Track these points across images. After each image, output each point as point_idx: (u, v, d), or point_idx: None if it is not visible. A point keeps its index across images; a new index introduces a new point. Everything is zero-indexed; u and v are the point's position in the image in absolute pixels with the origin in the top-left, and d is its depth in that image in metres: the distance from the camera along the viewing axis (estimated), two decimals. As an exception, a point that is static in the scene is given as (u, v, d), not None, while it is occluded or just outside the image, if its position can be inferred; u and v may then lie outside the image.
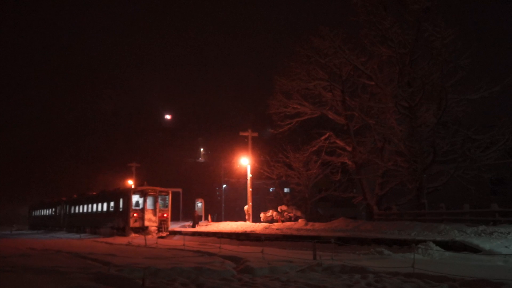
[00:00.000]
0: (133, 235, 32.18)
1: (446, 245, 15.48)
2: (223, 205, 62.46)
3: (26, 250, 18.65)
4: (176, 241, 24.35)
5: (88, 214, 41.80)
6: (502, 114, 23.99)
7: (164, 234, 32.69)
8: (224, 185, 64.03)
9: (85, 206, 42.73)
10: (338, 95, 28.54)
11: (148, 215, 33.37)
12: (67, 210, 47.46)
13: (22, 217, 68.83)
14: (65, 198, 50.64)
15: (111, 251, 18.12)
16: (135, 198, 33.81)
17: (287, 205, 33.77)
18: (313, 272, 11.14)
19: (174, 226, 37.69)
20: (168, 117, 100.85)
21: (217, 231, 29.30)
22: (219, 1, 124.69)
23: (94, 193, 44.15)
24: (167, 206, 34.44)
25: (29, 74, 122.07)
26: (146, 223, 33.05)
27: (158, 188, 34.76)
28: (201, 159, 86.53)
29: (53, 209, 52.41)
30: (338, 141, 29.25)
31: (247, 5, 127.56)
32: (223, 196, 64.50)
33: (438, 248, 14.90)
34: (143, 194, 33.85)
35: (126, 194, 34.32)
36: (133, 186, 47.98)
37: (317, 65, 27.87)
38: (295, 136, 32.65)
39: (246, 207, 35.10)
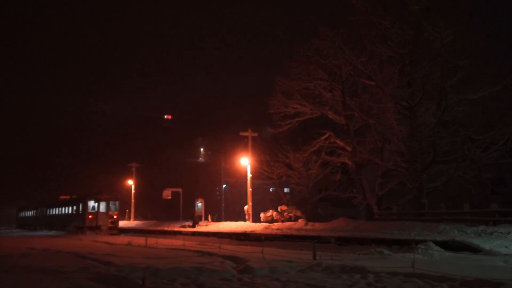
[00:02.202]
0: (89, 232, 39.10)
1: (446, 245, 15.47)
2: (223, 205, 62.43)
3: (26, 250, 18.65)
4: (176, 241, 24.33)
5: (59, 215, 49.66)
6: (502, 114, 23.99)
7: (114, 232, 39.75)
8: (224, 185, 63.96)
9: (57, 209, 50.73)
10: (338, 95, 28.52)
11: (101, 217, 40.81)
12: (45, 212, 54.79)
13: (13, 217, 74.29)
14: (44, 202, 57.62)
15: (111, 251, 18.10)
16: (91, 203, 41.39)
17: (287, 205, 33.75)
18: (313, 272, 11.13)
19: (174, 226, 37.81)
20: (168, 117, 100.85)
21: (217, 231, 29.29)
22: (219, 1, 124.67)
23: (67, 197, 50.25)
24: (116, 210, 42.11)
25: (27, 73, 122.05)
26: (100, 223, 40.50)
27: (109, 196, 42.64)
28: (201, 159, 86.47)
29: (35, 211, 59.79)
30: (338, 141, 29.23)
31: (247, 5, 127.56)
32: (223, 196, 64.45)
33: (438, 248, 14.88)
34: (97, 200, 41.44)
35: (84, 200, 41.92)
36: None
37: (317, 65, 27.86)
38: (295, 136, 32.62)
39: (246, 207, 35.08)
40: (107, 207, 41.29)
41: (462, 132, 22.95)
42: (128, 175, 55.39)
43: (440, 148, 23.24)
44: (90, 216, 40.68)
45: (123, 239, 28.77)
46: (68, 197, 49.83)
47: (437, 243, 15.47)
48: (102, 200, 41.50)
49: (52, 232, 44.18)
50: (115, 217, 41.38)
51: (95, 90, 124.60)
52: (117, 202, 42.27)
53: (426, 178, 24.11)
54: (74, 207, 44.38)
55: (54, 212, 51.51)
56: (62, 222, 46.75)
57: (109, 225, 40.48)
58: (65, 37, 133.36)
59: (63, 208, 48.35)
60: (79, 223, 41.91)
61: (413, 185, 24.11)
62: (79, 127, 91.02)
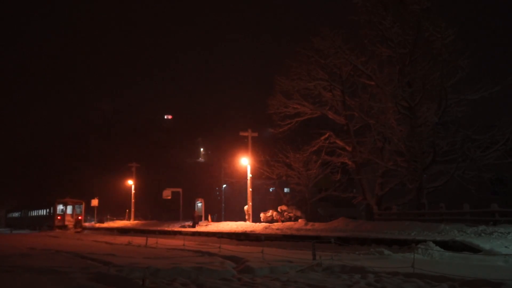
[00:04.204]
0: (57, 230, 46.61)
1: (446, 245, 15.45)
2: (223, 205, 62.46)
3: (26, 250, 18.65)
4: (176, 241, 24.32)
5: (36, 216, 57.67)
6: (502, 114, 24.02)
7: (78, 230, 46.98)
8: (224, 185, 63.95)
9: (36, 211, 58.93)
10: (338, 95, 28.52)
11: (68, 217, 50.09)
12: (27, 214, 62.87)
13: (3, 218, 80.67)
14: (27, 205, 65.85)
15: (111, 251, 18.10)
16: (60, 206, 50.61)
17: (287, 205, 33.74)
18: (313, 272, 11.12)
19: (174, 226, 37.80)
20: (168, 117, 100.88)
21: (217, 231, 29.28)
22: (219, 1, 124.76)
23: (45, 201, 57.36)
24: (81, 212, 51.50)
25: (27, 73, 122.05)
26: (66, 223, 49.47)
27: (75, 200, 51.63)
28: (201, 159, 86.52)
29: (19, 212, 67.97)
30: (338, 141, 29.23)
31: (248, 5, 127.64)
32: (223, 196, 64.47)
33: (438, 248, 14.86)
34: (65, 204, 50.73)
35: (54, 204, 50.85)
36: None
37: (317, 65, 27.86)
38: (295, 136, 32.63)
39: (246, 207, 35.06)
40: (73, 209, 50.68)
41: (462, 132, 22.95)
42: (128, 175, 55.37)
43: (440, 148, 23.24)
44: (58, 217, 49.87)
45: (123, 239, 28.77)
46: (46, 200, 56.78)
47: (437, 243, 15.45)
48: (69, 204, 50.67)
49: (27, 231, 51.42)
50: (80, 218, 50.82)
51: (96, 90, 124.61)
52: (81, 206, 51.62)
53: (426, 178, 24.10)
54: (47, 210, 53.18)
55: (33, 214, 59.82)
56: (39, 222, 54.52)
57: (74, 224, 48.92)
58: (65, 37, 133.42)
59: (40, 210, 56.84)
60: (50, 223, 50.45)
61: (413, 185, 24.10)
62: (79, 127, 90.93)
